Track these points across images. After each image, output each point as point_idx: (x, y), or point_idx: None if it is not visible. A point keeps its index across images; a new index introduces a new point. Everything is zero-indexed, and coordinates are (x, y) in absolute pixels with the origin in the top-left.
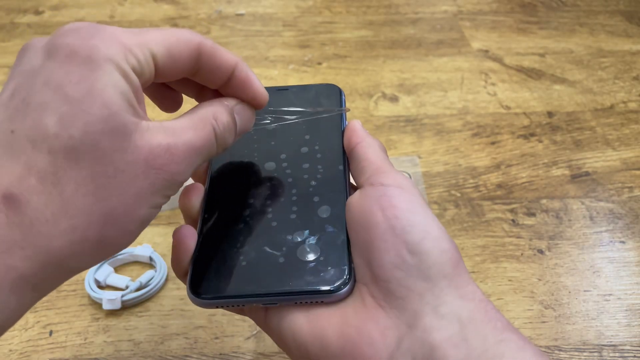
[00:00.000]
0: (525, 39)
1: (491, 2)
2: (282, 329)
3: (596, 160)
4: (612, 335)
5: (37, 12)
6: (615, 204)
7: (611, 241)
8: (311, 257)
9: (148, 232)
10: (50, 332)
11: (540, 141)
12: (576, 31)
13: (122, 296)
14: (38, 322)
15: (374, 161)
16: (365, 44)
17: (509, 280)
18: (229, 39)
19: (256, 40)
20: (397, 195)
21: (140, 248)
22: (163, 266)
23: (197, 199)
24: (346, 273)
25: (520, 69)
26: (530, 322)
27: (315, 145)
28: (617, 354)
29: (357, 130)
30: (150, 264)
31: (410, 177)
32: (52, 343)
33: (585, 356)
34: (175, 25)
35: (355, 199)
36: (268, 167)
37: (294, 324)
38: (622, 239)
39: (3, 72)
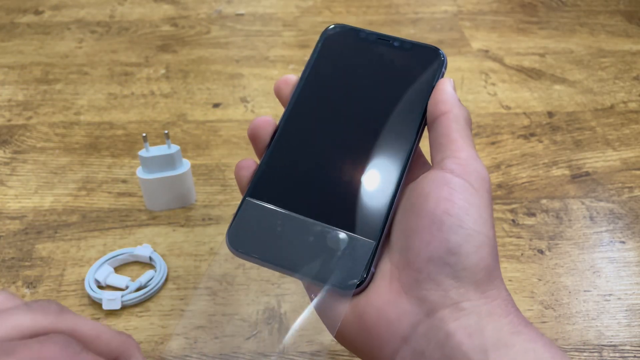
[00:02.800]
0: (525, 39)
1: (491, 2)
2: (319, 303)
3: (596, 160)
4: (612, 336)
5: (37, 12)
6: (616, 204)
7: (611, 241)
8: (338, 247)
9: (148, 232)
10: None
11: (541, 141)
12: (576, 31)
13: (122, 296)
14: None
15: (454, 139)
16: None
17: (509, 281)
18: (229, 39)
19: (256, 40)
20: (460, 190)
21: (140, 248)
22: (163, 266)
23: (266, 132)
24: (362, 277)
25: (521, 69)
26: (530, 322)
27: (397, 103)
28: (617, 354)
29: (447, 95)
30: (150, 264)
31: None
32: None
33: (585, 356)
34: (175, 25)
35: (422, 179)
36: (341, 124)
37: (327, 301)
38: (622, 239)
39: (3, 72)
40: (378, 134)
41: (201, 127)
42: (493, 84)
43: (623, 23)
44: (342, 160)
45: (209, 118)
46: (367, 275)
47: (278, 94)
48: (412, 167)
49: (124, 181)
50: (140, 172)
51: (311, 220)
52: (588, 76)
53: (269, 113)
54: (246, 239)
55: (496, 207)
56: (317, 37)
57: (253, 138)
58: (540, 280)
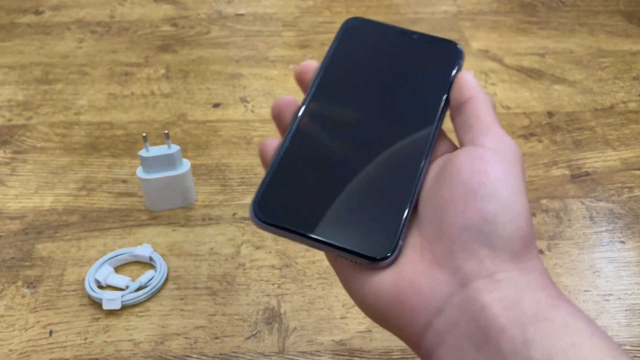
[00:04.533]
0: (525, 39)
1: (491, 2)
2: (346, 277)
3: (596, 160)
4: (612, 335)
5: (37, 12)
6: (615, 204)
7: (611, 241)
8: (368, 218)
9: (148, 232)
10: (50, 332)
11: (540, 141)
12: (576, 31)
13: (122, 296)
14: (38, 322)
15: (484, 120)
16: None
17: None
18: (229, 39)
19: (256, 40)
20: (493, 163)
21: (140, 248)
22: (163, 266)
23: (290, 111)
24: (393, 247)
25: (520, 69)
26: None
27: (416, 90)
28: None
29: (471, 83)
30: (150, 264)
31: None
32: (52, 343)
33: None
34: (175, 25)
35: (454, 155)
36: (363, 106)
37: (356, 275)
38: (622, 239)
39: (3, 72)
40: (401, 117)
41: (201, 127)
42: (493, 84)
43: (623, 23)
44: (368, 138)
45: (209, 118)
46: (395, 249)
47: (300, 80)
48: (437, 148)
49: (124, 181)
50: (140, 172)
51: (340, 193)
52: (588, 76)
53: (270, 113)
54: (273, 210)
55: None
56: (317, 37)
57: (277, 116)
58: None
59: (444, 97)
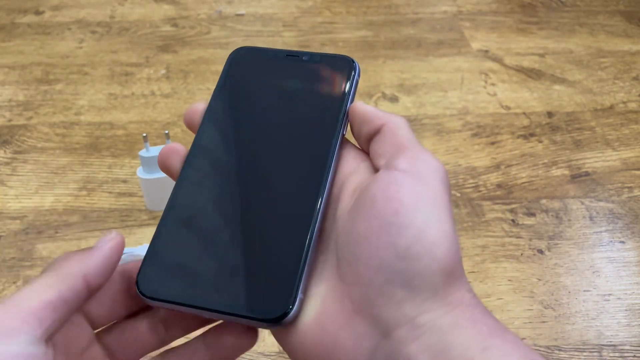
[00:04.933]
0: (525, 39)
1: (491, 3)
2: (273, 332)
3: (596, 160)
4: (611, 335)
5: (38, 12)
6: (615, 204)
7: (611, 241)
8: (261, 274)
9: (148, 232)
10: None
11: (540, 141)
12: (576, 31)
13: None
14: None
15: (398, 141)
16: (365, 44)
17: (509, 280)
18: (229, 39)
19: (256, 40)
20: (407, 186)
21: (140, 248)
22: None
23: (176, 161)
24: (291, 301)
25: (520, 69)
26: (530, 322)
27: (309, 116)
28: (616, 354)
29: (373, 111)
30: None
31: None
32: None
33: (585, 356)
34: (175, 25)
35: (369, 182)
36: (252, 143)
37: (278, 333)
38: (622, 239)
39: (3, 72)
40: (293, 150)
41: None
42: (493, 84)
43: (623, 23)
44: (258, 181)
45: None
46: (295, 302)
47: (189, 125)
48: (342, 165)
49: (124, 181)
50: (140, 172)
51: (228, 251)
52: (588, 76)
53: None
54: (157, 282)
55: (496, 207)
56: (317, 37)
57: (164, 168)
58: (539, 280)
59: (341, 116)
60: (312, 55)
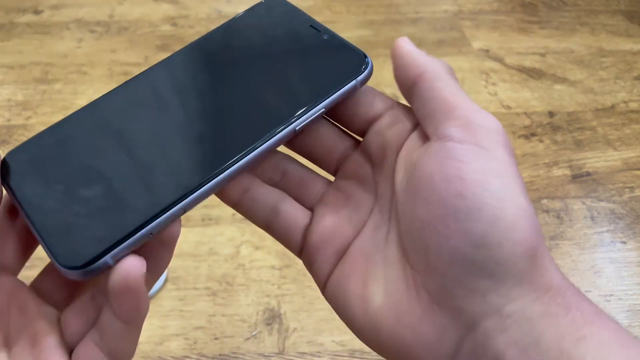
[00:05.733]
0: (526, 39)
1: (492, 2)
2: (340, 312)
3: (597, 160)
4: None
5: (37, 12)
6: (617, 204)
7: (612, 241)
8: (96, 215)
9: None
10: None
11: (541, 141)
12: (577, 31)
13: None
14: None
15: (444, 100)
16: (365, 44)
17: None
18: None
19: None
20: (468, 160)
21: None
22: None
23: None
24: (88, 259)
25: (521, 69)
26: None
27: (285, 85)
28: None
29: (413, 54)
30: None
31: None
32: None
33: None
34: (174, 24)
35: (420, 156)
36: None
37: (351, 312)
38: (623, 239)
39: (1, 71)
40: (242, 101)
41: None
42: (494, 84)
43: (624, 23)
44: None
45: None
46: (93, 263)
47: None
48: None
49: None
50: None
51: (99, 180)
52: (589, 76)
53: None
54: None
55: None
56: None
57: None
58: None
59: (315, 102)
60: (332, 37)
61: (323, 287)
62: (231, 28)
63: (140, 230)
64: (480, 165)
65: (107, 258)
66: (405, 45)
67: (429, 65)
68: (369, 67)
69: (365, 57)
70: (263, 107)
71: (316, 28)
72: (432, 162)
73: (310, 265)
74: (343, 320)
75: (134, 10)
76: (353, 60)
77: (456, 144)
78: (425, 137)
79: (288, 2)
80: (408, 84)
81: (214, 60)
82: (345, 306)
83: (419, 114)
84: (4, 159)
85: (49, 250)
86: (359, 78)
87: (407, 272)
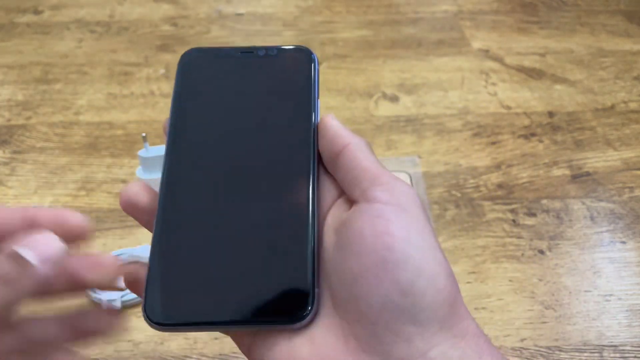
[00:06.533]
0: (525, 39)
1: (492, 2)
2: None
3: (597, 160)
4: (612, 336)
5: (37, 12)
6: (616, 204)
7: (612, 241)
8: (270, 281)
9: (147, 233)
10: None
11: (541, 141)
12: (577, 31)
13: (122, 296)
14: None
15: (368, 168)
16: (365, 44)
17: (510, 281)
18: (228, 38)
19: (256, 40)
20: (394, 219)
21: (140, 248)
22: None
23: (142, 198)
24: (307, 302)
25: (521, 69)
26: (530, 323)
27: (280, 115)
28: (617, 355)
29: (338, 129)
30: None
31: (411, 179)
32: None
33: (585, 356)
34: (174, 25)
35: (351, 216)
36: (225, 165)
37: None
38: (623, 239)
39: (2, 72)
40: (271, 152)
41: None
42: (493, 84)
43: (624, 23)
44: (243, 191)
45: None
46: (314, 300)
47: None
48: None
49: (123, 181)
50: (140, 172)
51: (231, 263)
52: (589, 76)
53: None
54: (168, 308)
55: (496, 207)
56: (317, 37)
57: (133, 207)
58: (540, 280)
59: (312, 110)
60: (267, 49)
61: (248, 348)
62: (184, 98)
63: (314, 263)
64: (405, 224)
65: (316, 290)
66: (332, 120)
67: (353, 139)
68: (315, 57)
69: (308, 50)
70: (284, 141)
71: (248, 51)
72: (362, 220)
73: (233, 334)
74: None
75: (134, 10)
76: (302, 59)
77: (383, 205)
78: (350, 203)
79: (204, 48)
80: (333, 153)
81: (208, 133)
82: None
83: (344, 180)
84: None
85: (276, 322)
86: (316, 67)
87: (336, 323)
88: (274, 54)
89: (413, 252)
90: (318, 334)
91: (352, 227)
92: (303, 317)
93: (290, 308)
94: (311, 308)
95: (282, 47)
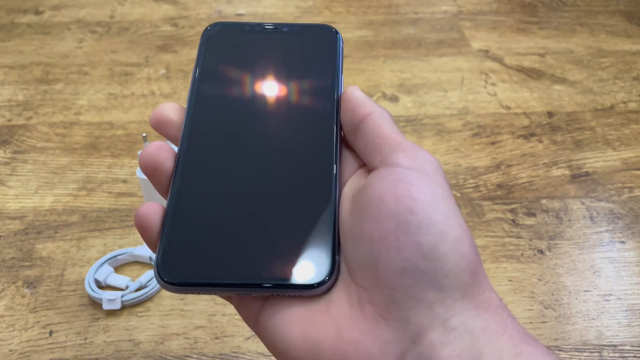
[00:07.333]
0: (525, 39)
1: (491, 2)
2: (275, 339)
3: (596, 160)
4: (612, 336)
5: (37, 12)
6: (616, 204)
7: (611, 241)
8: (292, 244)
9: None
10: (50, 332)
11: (541, 141)
12: (576, 31)
13: (122, 296)
14: (38, 322)
15: (390, 137)
16: (365, 44)
17: (509, 281)
18: None
19: None
20: (417, 183)
21: (140, 248)
22: None
23: (167, 160)
24: (329, 267)
25: (521, 69)
26: (530, 322)
27: (304, 90)
28: (617, 354)
29: (362, 99)
30: (150, 264)
31: None
32: (52, 343)
33: (585, 356)
34: (175, 25)
35: (369, 182)
36: (247, 132)
37: (287, 335)
38: (622, 239)
39: (3, 72)
40: (295, 124)
41: None
42: (493, 84)
43: (623, 23)
44: (266, 158)
45: None
46: (334, 267)
47: (159, 125)
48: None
49: (124, 181)
50: (140, 172)
51: (251, 225)
52: (588, 76)
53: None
54: (182, 266)
55: (496, 207)
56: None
57: (153, 167)
58: (540, 280)
59: (336, 90)
60: (291, 26)
61: (255, 318)
62: (207, 72)
63: (335, 230)
64: (428, 189)
65: (337, 257)
66: (356, 91)
67: (375, 108)
68: (340, 36)
69: (333, 28)
70: (311, 113)
71: (274, 27)
72: (383, 184)
73: (239, 301)
74: (277, 351)
75: (134, 10)
76: (327, 37)
77: (405, 169)
78: (368, 173)
79: (229, 22)
80: (355, 122)
81: (231, 106)
82: (283, 331)
83: (365, 149)
84: None
85: (294, 286)
86: (341, 45)
87: (352, 290)
88: (298, 30)
89: (437, 217)
90: (334, 300)
91: (372, 191)
92: (323, 283)
93: (311, 274)
94: (332, 274)
95: (306, 24)
